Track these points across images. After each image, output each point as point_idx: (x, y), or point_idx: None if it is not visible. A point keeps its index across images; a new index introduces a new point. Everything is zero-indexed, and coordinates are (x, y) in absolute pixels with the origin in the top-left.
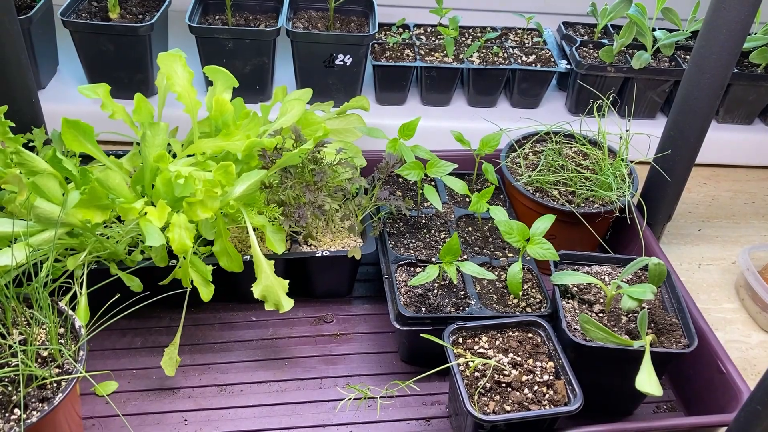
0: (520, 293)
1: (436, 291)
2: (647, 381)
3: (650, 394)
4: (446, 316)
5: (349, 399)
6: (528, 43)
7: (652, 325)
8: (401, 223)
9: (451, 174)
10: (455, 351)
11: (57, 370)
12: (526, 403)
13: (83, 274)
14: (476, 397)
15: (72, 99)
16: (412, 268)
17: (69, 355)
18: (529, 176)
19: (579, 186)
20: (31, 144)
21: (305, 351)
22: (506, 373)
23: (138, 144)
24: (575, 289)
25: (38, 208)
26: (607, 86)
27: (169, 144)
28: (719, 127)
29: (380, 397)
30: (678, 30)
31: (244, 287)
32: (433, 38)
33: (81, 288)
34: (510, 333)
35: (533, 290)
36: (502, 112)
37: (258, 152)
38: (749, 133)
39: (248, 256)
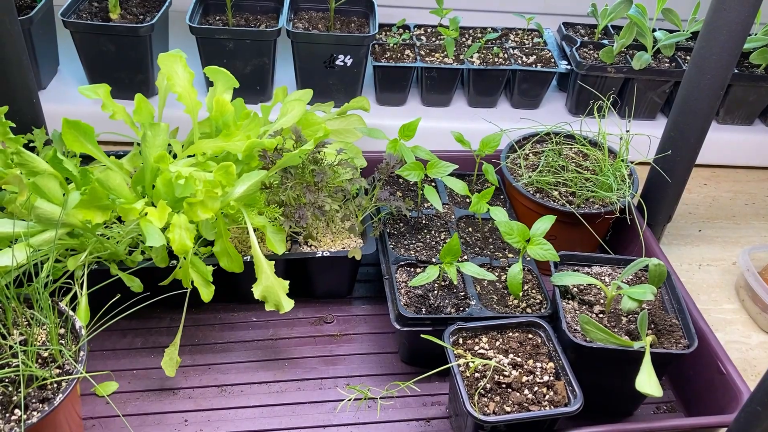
0: (521, 294)
1: (436, 291)
2: (647, 382)
3: (650, 394)
4: (446, 317)
5: (350, 399)
6: (528, 44)
7: (653, 325)
8: (401, 224)
9: (451, 174)
10: (455, 352)
11: (57, 371)
12: (527, 404)
13: (84, 274)
14: (476, 397)
15: (72, 99)
16: (412, 269)
17: (69, 355)
18: (530, 177)
19: (579, 187)
20: (31, 144)
21: (305, 351)
22: (506, 373)
23: (138, 144)
24: (575, 289)
25: (39, 208)
26: (608, 87)
27: (169, 144)
28: (719, 128)
29: (380, 398)
30: (678, 31)
31: (244, 288)
32: (434, 39)
33: (81, 288)
34: (510, 334)
35: (533, 291)
36: (503, 112)
37: (258, 153)
38: (749, 134)
39: (249, 257)
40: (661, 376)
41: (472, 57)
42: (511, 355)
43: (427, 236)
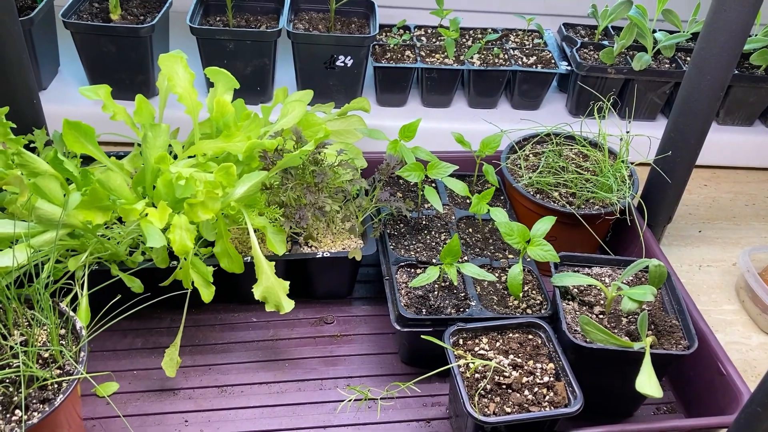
0: (521, 295)
1: (436, 292)
2: (647, 383)
3: (650, 395)
4: (446, 318)
5: (350, 400)
6: (528, 45)
7: (653, 326)
8: (402, 225)
9: (451, 175)
10: (455, 352)
11: (58, 371)
12: (527, 405)
13: (84, 275)
14: (476, 398)
15: (73, 100)
16: (412, 270)
17: (70, 356)
18: (530, 178)
19: (579, 188)
20: (32, 145)
21: (306, 352)
22: (506, 374)
23: (139, 145)
24: (575, 290)
25: (39, 209)
26: (608, 88)
27: (170, 145)
28: (720, 129)
29: (380, 399)
30: (678, 32)
31: (244, 288)
32: (434, 40)
33: (82, 289)
34: (510, 334)
35: (533, 292)
36: (503, 113)
37: (259, 153)
38: (750, 135)
39: (249, 258)
40: (661, 377)
41: (472, 58)
42: (511, 356)
43: (428, 237)
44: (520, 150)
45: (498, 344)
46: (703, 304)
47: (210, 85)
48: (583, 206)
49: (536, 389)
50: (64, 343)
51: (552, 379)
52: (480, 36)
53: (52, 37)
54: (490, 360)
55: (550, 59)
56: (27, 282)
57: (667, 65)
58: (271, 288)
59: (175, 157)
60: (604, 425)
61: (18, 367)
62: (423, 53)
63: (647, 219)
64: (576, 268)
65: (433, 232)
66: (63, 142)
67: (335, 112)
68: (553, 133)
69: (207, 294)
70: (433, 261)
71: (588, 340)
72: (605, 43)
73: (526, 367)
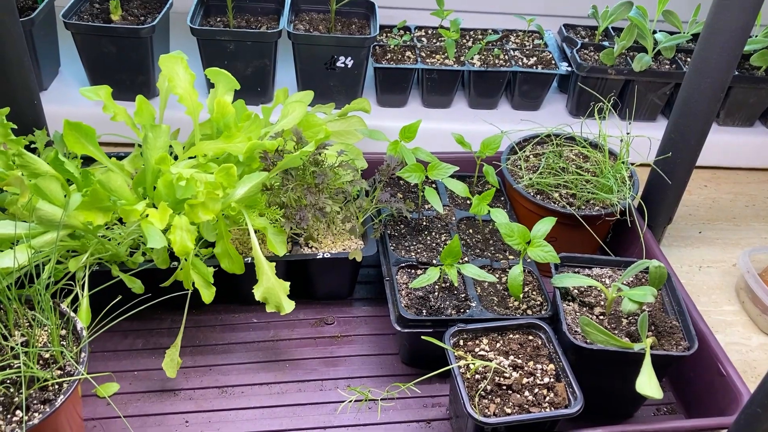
0: (521, 296)
1: (436, 293)
2: (647, 384)
3: (650, 396)
4: (447, 319)
5: (350, 401)
6: (529, 46)
7: (653, 327)
8: (402, 226)
9: (452, 176)
10: (456, 353)
11: (59, 372)
12: (527, 406)
13: (85, 275)
14: (477, 399)
15: (74, 101)
16: (413, 271)
17: (71, 356)
18: (530, 179)
19: (580, 188)
20: (32, 146)
21: (306, 353)
22: (507, 375)
23: (139, 146)
24: (576, 291)
25: (40, 210)
26: (608, 89)
27: (170, 146)
28: (720, 130)
29: (381, 399)
30: (679, 33)
31: (245, 289)
32: (434, 40)
33: (83, 290)
34: (511, 335)
35: (534, 293)
36: (503, 114)
37: (259, 154)
38: (750, 136)
39: (249, 258)
40: (662, 378)
41: (472, 59)
42: (511, 357)
43: (428, 238)
44: (520, 151)
45: (498, 345)
46: (703, 305)
47: (210, 85)
48: (584, 207)
49: (536, 390)
50: (64, 343)
51: (552, 380)
52: (480, 37)
53: (52, 38)
54: (491, 361)
55: (550, 60)
56: (28, 283)
57: (667, 66)
58: (272, 289)
59: (176, 157)
60: (604, 426)
61: (19, 367)
62: (423, 54)
63: (647, 220)
64: (576, 269)
65: (433, 233)
66: (64, 143)
67: (336, 112)
68: (553, 134)
69: (207, 295)
70: (434, 262)
71: (588, 341)
72: (605, 44)
73: (526, 368)
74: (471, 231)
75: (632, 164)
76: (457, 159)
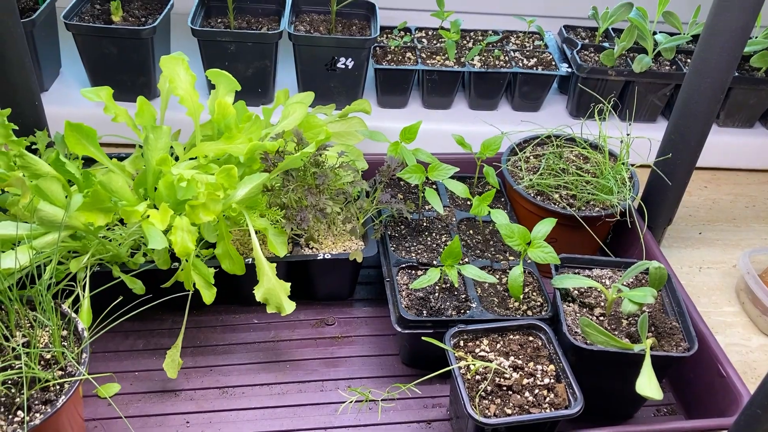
0: (521, 296)
1: (437, 294)
2: (647, 384)
3: (650, 397)
4: (447, 319)
5: (351, 402)
6: (529, 47)
7: (653, 328)
8: (403, 226)
9: (452, 177)
10: (456, 354)
11: (60, 373)
12: (527, 407)
13: (86, 276)
14: (477, 400)
15: (75, 102)
16: (413, 271)
17: (72, 357)
18: (530, 180)
19: (580, 189)
20: (34, 147)
21: (307, 354)
22: (507, 376)
23: (141, 147)
24: (576, 292)
25: (41, 211)
26: (608, 90)
27: (171, 147)
28: (720, 131)
29: (381, 400)
30: (679, 34)
31: (246, 290)
32: (435, 41)
33: (84, 290)
34: (511, 336)
35: (534, 293)
36: (504, 115)
37: (260, 155)
38: (750, 137)
39: (250, 259)
40: (662, 379)
41: (473, 60)
42: (511, 358)
43: (428, 239)
44: (520, 152)
45: (499, 346)
46: (703, 305)
47: (211, 87)
48: (584, 208)
49: (537, 391)
50: (66, 344)
51: (552, 380)
52: (481, 38)
53: (53, 39)
54: (491, 362)
55: (550, 61)
56: (29, 283)
57: (667, 67)
58: (273, 289)
59: (177, 158)
60: (604, 427)
61: (20, 368)
62: (424, 55)
63: (647, 221)
64: (576, 270)
65: (433, 234)
66: (65, 144)
67: (336, 113)
68: (553, 135)
69: (208, 295)
70: (434, 263)
71: (588, 342)
72: (606, 45)
73: (526, 369)
74: (471, 232)
75: (632, 165)
76: (457, 160)
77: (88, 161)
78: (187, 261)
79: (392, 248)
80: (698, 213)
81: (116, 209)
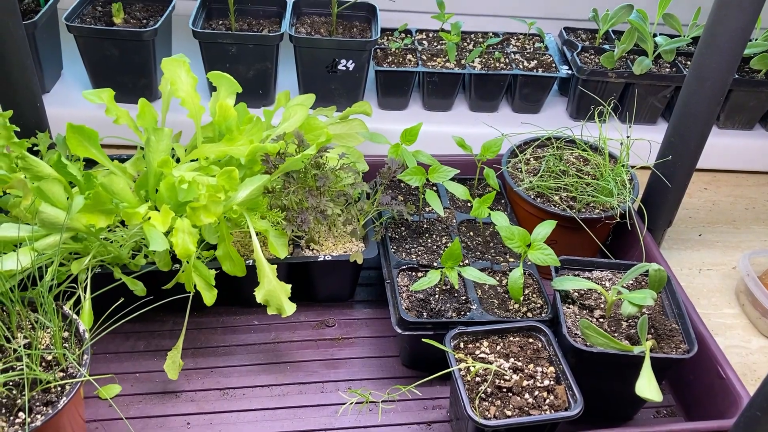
0: (521, 298)
1: (437, 296)
2: (647, 386)
3: (650, 399)
4: (447, 321)
5: (351, 403)
6: (529, 49)
7: (652, 330)
8: (403, 228)
9: (452, 179)
10: (456, 356)
11: (61, 374)
12: (527, 408)
13: (87, 278)
14: (477, 401)
15: (76, 103)
16: (413, 273)
17: (73, 358)
18: (531, 181)
19: (580, 191)
20: (35, 148)
21: (307, 355)
22: (507, 377)
23: (142, 149)
24: (576, 294)
25: (43, 212)
26: (609, 92)
27: (172, 149)
28: (720, 133)
29: (382, 402)
30: (679, 36)
31: (246, 291)
32: (435, 43)
33: (85, 292)
34: (511, 338)
35: (534, 295)
36: (504, 117)
37: (261, 157)
38: (750, 139)
39: (251, 261)
40: (661, 381)
41: (473, 62)
42: (511, 360)
43: (429, 240)
44: (520, 154)
45: (499, 348)
46: (703, 307)
47: (212, 88)
48: (584, 210)
49: (537, 393)
50: (67, 345)
51: (552, 382)
52: (481, 40)
53: (55, 41)
54: (491, 363)
55: (550, 63)
56: (30, 285)
57: (667, 69)
58: (273, 291)
59: (178, 160)
60: (604, 429)
61: (21, 369)
62: (424, 57)
63: (647, 223)
64: (576, 272)
65: (434, 236)
66: (66, 146)
67: (337, 115)
68: (553, 137)
69: (209, 297)
70: (434, 264)
71: (588, 343)
72: (606, 47)
73: (526, 371)
74: (471, 234)
75: (632, 167)
76: (457, 162)
77: (90, 163)
78: (188, 263)
79: (393, 250)
80: (698, 215)
81: (117, 211)
